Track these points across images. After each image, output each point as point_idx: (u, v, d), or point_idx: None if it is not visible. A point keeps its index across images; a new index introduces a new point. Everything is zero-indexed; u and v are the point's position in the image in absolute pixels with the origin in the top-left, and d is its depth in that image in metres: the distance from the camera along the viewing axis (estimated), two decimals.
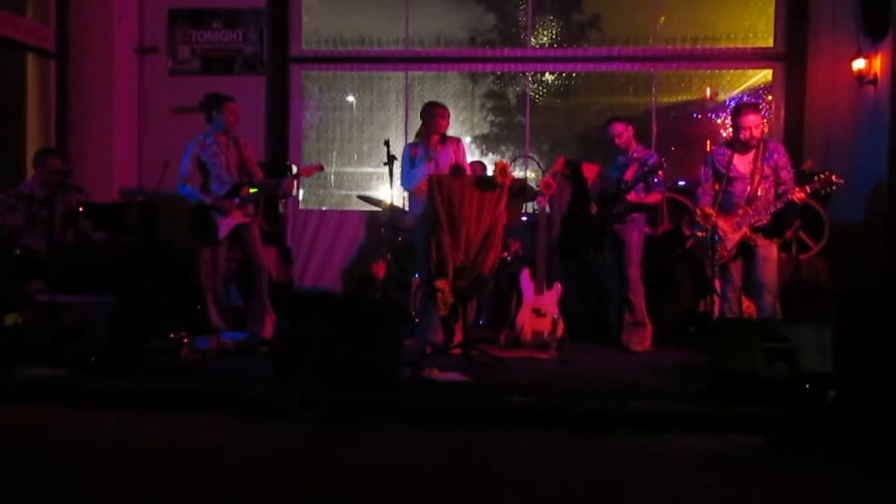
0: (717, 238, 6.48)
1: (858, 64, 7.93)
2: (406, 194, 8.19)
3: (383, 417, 5.30)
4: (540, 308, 7.21)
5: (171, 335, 6.83)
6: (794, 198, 6.46)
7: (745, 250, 6.68)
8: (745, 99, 9.80)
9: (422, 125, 7.38)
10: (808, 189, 6.45)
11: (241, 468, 4.34)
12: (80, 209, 7.87)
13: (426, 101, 7.79)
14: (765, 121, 9.52)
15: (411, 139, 8.11)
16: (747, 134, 6.60)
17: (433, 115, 7.29)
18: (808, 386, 5.18)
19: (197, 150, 7.45)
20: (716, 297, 6.71)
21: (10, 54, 9.53)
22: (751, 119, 6.62)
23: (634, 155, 7.36)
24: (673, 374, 6.19)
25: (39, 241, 7.29)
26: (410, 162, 7.30)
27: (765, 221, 6.63)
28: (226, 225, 7.38)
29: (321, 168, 8.02)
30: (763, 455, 4.82)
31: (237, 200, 7.42)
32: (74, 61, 9.70)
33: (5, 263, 7.17)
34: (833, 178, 6.38)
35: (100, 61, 9.72)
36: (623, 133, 7.37)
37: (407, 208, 8.45)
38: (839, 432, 4.78)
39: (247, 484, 4.10)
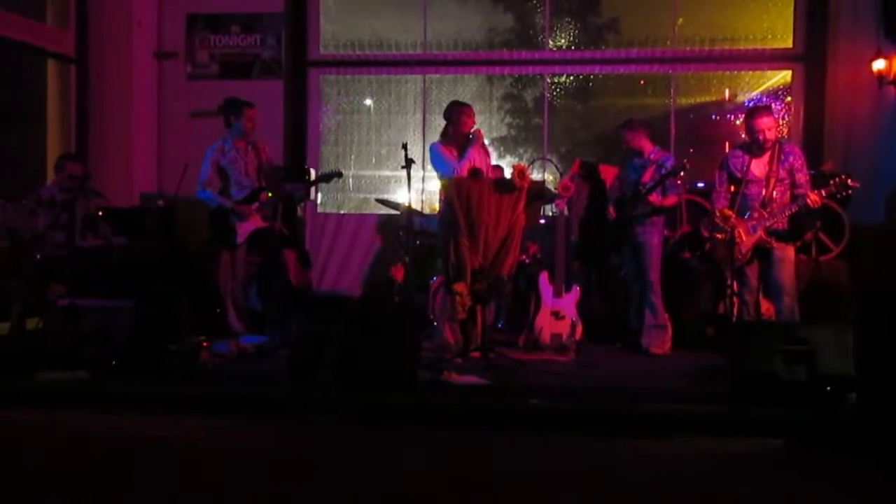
0: (735, 238, 6.46)
1: (878, 65, 7.88)
2: (425, 197, 8.18)
3: (401, 420, 5.31)
4: (558, 311, 7.20)
5: (191, 338, 6.86)
6: (808, 202, 6.41)
7: (762, 253, 6.64)
8: (763, 100, 9.76)
9: (447, 125, 7.34)
10: (823, 192, 6.41)
11: (261, 470, 4.35)
12: (100, 213, 7.91)
13: (444, 103, 7.79)
14: (783, 122, 9.49)
15: (430, 142, 8.08)
16: (762, 136, 6.57)
17: (459, 114, 7.26)
18: (828, 388, 5.15)
19: (216, 156, 7.49)
20: (735, 299, 6.68)
21: (31, 60, 9.60)
22: (764, 121, 6.58)
23: (651, 157, 7.33)
24: (693, 376, 6.17)
25: (60, 245, 7.33)
26: (447, 157, 7.25)
27: (782, 226, 6.59)
28: (245, 229, 7.43)
29: (339, 174, 8.02)
30: (783, 457, 4.79)
31: (256, 205, 7.46)
32: (94, 67, 9.75)
33: (26, 268, 7.21)
34: (849, 181, 6.33)
35: (119, 66, 9.77)
36: (636, 136, 7.34)
37: (427, 210, 8.43)
38: (860, 434, 4.76)
39: (265, 486, 4.11)
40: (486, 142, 10.47)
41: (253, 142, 7.59)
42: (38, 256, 7.28)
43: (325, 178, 7.95)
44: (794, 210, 6.53)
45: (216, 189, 7.50)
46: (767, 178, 6.60)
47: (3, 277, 7.32)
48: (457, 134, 7.21)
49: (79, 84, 9.75)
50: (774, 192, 6.60)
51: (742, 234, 6.54)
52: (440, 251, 7.10)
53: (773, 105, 9.39)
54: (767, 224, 6.55)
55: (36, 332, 6.71)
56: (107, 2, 9.76)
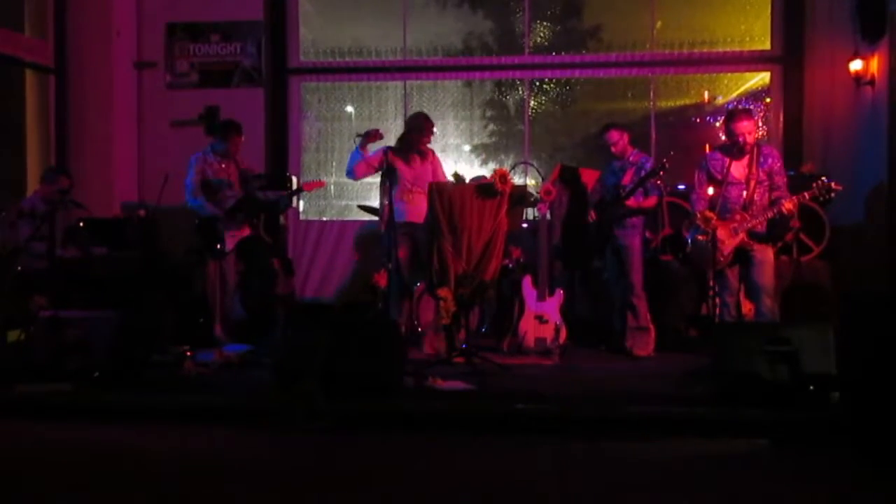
0: (717, 240, 6.48)
1: (856, 65, 7.93)
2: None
3: (386, 426, 5.30)
4: (542, 314, 7.21)
5: (174, 348, 6.83)
6: (784, 210, 6.44)
7: (742, 255, 6.67)
8: (742, 102, 9.80)
9: (405, 133, 7.48)
10: (806, 195, 6.43)
11: (247, 479, 4.34)
12: (81, 224, 7.88)
13: (425, 109, 7.87)
14: (760, 125, 9.54)
15: None
16: (741, 139, 6.59)
17: (421, 129, 7.38)
18: (811, 388, 5.18)
19: (201, 165, 7.51)
20: (717, 301, 6.70)
21: (9, 71, 9.55)
22: (744, 125, 6.61)
23: (630, 159, 7.36)
24: (676, 378, 6.19)
25: (41, 256, 7.29)
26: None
27: (761, 228, 6.61)
28: (233, 237, 7.44)
29: (322, 184, 8.11)
30: (767, 458, 4.82)
31: (243, 213, 7.49)
32: (73, 77, 9.72)
33: (7, 280, 7.17)
34: (832, 184, 6.37)
35: (98, 76, 9.74)
36: (619, 140, 7.37)
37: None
38: (843, 434, 4.79)
39: (252, 495, 4.10)
40: (467, 148, 10.56)
41: (233, 157, 7.65)
42: (20, 268, 7.24)
43: (292, 194, 8.06)
44: (770, 215, 6.55)
45: (203, 198, 7.51)
46: (748, 181, 6.63)
47: None
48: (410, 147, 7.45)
49: (58, 94, 9.70)
50: (755, 195, 6.63)
51: (724, 236, 6.55)
52: (391, 252, 7.16)
53: (752, 107, 9.44)
54: (749, 226, 6.58)
55: (18, 344, 6.67)
56: (86, 11, 9.72)
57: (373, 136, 7.42)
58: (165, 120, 9.99)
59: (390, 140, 7.76)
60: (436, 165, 7.54)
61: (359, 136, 7.37)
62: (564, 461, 4.70)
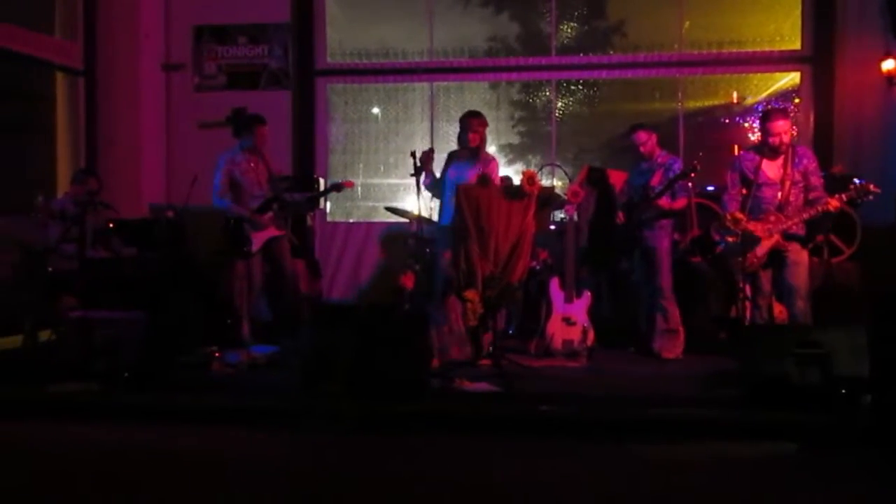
0: (750, 241, 6.41)
1: (887, 65, 7.86)
2: (434, 204, 8.17)
3: (412, 428, 5.29)
4: (570, 316, 7.17)
5: (202, 349, 6.86)
6: (830, 208, 6.37)
7: (776, 256, 6.59)
8: (772, 102, 9.71)
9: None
10: (843, 197, 6.36)
11: (272, 481, 4.35)
12: (111, 225, 7.93)
13: (452, 111, 7.83)
14: (793, 125, 9.46)
15: (437, 150, 8.11)
16: (777, 139, 6.51)
17: (463, 127, 7.32)
18: (843, 391, 5.12)
19: (228, 166, 7.51)
20: (747, 303, 6.64)
21: (40, 73, 9.64)
22: (780, 124, 6.54)
23: (658, 160, 7.31)
24: (705, 380, 6.15)
25: (71, 257, 7.35)
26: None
27: (797, 229, 6.53)
28: (259, 238, 7.46)
29: (351, 185, 8.14)
30: (797, 461, 4.77)
31: (271, 214, 7.50)
32: (102, 79, 9.78)
33: (38, 280, 7.23)
34: (870, 187, 6.30)
35: (127, 78, 9.81)
36: (647, 141, 7.33)
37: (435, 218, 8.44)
38: (875, 437, 4.73)
39: (278, 497, 4.10)
40: (493, 149, 10.54)
41: (261, 154, 7.63)
42: (50, 269, 7.30)
43: (325, 192, 8.06)
44: (811, 215, 6.47)
45: (230, 198, 7.53)
46: (782, 181, 6.56)
47: (16, 290, 7.34)
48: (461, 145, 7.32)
49: (87, 96, 9.78)
50: (790, 195, 6.55)
51: (761, 234, 6.47)
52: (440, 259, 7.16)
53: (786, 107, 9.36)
54: (783, 227, 6.50)
55: (48, 345, 6.72)
56: (114, 14, 9.79)
57: (430, 156, 7.35)
58: (193, 122, 10.05)
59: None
60: (488, 169, 7.23)
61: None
62: (591, 463, 4.67)
